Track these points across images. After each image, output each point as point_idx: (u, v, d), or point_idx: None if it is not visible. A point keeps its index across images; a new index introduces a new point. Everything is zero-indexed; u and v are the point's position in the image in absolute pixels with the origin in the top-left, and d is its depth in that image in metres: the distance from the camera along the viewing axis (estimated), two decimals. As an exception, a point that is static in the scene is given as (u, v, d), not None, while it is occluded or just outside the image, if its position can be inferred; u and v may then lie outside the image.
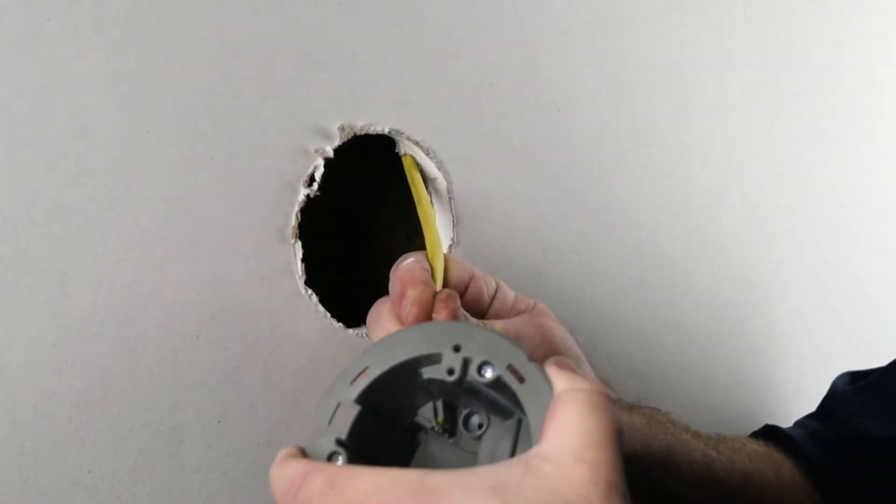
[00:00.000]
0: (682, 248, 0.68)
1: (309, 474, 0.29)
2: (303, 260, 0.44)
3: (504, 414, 0.33)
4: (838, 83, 0.83)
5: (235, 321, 0.43)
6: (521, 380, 0.30)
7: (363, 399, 0.31)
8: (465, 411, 0.34)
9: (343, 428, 0.31)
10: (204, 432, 0.42)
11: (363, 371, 0.31)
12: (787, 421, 0.63)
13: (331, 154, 0.44)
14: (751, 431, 0.62)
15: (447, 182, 0.50)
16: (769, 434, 0.59)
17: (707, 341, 0.71)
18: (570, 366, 0.31)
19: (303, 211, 0.44)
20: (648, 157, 0.64)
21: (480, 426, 0.34)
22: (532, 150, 0.55)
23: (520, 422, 0.33)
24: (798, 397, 0.80)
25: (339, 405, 0.31)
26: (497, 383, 0.31)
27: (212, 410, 0.42)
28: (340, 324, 0.46)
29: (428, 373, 0.32)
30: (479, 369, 0.31)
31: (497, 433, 0.33)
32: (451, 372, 0.31)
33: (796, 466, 0.54)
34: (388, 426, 0.33)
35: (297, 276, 0.44)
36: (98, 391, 0.39)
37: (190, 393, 0.42)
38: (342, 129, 0.45)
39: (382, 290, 0.41)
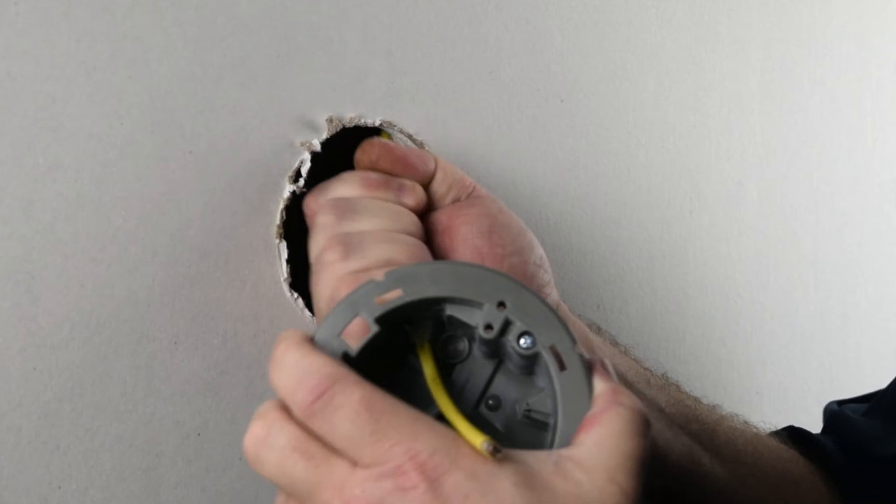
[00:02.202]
0: (695, 248, 0.68)
1: (340, 383, 0.29)
2: (288, 261, 0.44)
3: (490, 353, 0.34)
4: (862, 72, 0.83)
5: (215, 327, 0.43)
6: (561, 366, 0.31)
7: (383, 320, 0.31)
8: (447, 333, 0.34)
9: (355, 344, 0.31)
10: (182, 446, 0.42)
11: (393, 291, 0.32)
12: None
13: (318, 147, 0.45)
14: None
15: (443, 177, 0.50)
16: (793, 437, 0.57)
17: (722, 347, 0.72)
18: (609, 373, 0.32)
19: (288, 209, 0.44)
20: (659, 150, 0.64)
21: (459, 353, 0.34)
22: (534, 145, 0.56)
23: (500, 363, 0.34)
24: (817, 407, 0.80)
25: (356, 317, 0.31)
26: (530, 357, 0.31)
27: (190, 422, 0.43)
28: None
29: (453, 310, 0.33)
30: (519, 337, 0.31)
31: (473, 366, 0.34)
32: (488, 327, 0.31)
33: (821, 477, 0.53)
34: (385, 343, 0.33)
35: (281, 279, 0.44)
36: (68, 402, 0.39)
37: (167, 404, 0.42)
38: (330, 120, 0.45)
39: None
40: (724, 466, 0.47)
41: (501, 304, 0.32)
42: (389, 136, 0.49)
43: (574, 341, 0.31)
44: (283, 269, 0.44)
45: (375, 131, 0.48)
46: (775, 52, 0.74)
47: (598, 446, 0.29)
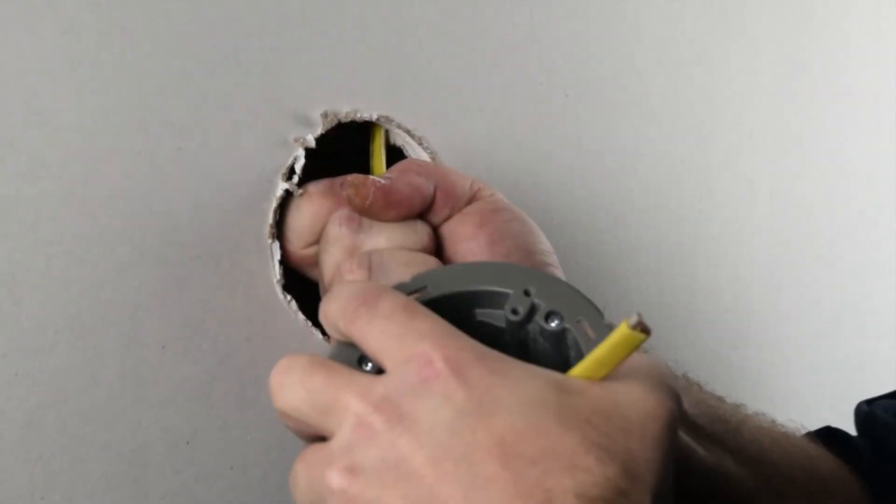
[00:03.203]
0: (705, 248, 0.68)
1: (386, 293, 0.32)
2: (281, 262, 0.44)
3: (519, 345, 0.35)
4: (878, 66, 0.83)
5: (206, 330, 0.43)
6: (590, 336, 0.32)
7: None
8: None
9: None
10: (171, 455, 0.42)
11: (421, 289, 0.34)
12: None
13: (312, 143, 0.45)
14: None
15: (442, 175, 0.50)
16: (826, 437, 0.56)
17: (733, 352, 0.72)
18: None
19: (281, 207, 0.44)
20: (668, 147, 0.64)
21: None
22: (538, 141, 0.56)
23: None
24: (833, 415, 0.80)
25: None
26: (559, 335, 0.33)
27: (180, 430, 0.42)
28: (322, 333, 0.46)
29: (483, 315, 0.34)
30: (546, 317, 0.33)
31: None
32: (515, 312, 0.33)
33: (852, 476, 0.52)
34: None
35: (274, 281, 0.44)
36: (52, 409, 0.39)
37: (155, 411, 0.42)
38: (325, 115, 0.45)
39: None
40: (748, 467, 0.47)
41: (526, 292, 0.33)
42: (387, 133, 0.49)
43: (601, 314, 0.32)
44: (276, 271, 0.44)
45: (372, 126, 0.48)
46: (788, 45, 0.74)
47: (634, 370, 0.30)
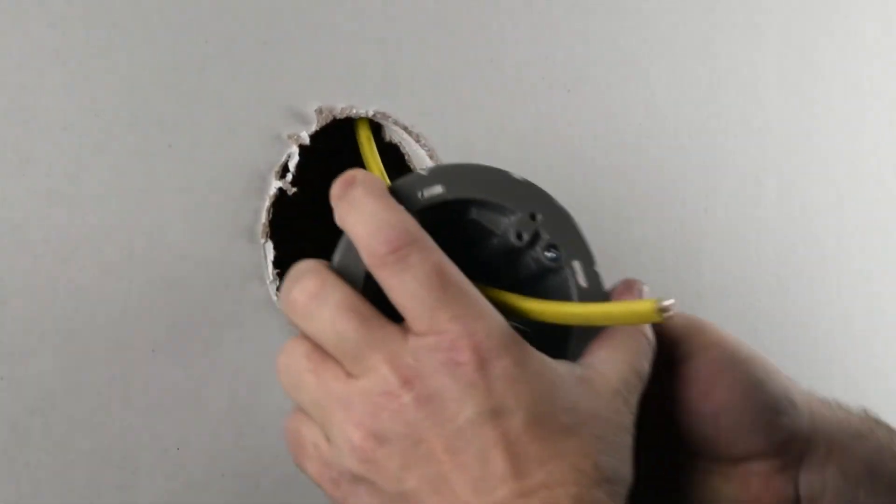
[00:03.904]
0: (710, 249, 0.68)
1: (418, 244, 0.31)
2: (274, 263, 0.44)
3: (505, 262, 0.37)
4: (889, 59, 0.83)
5: (197, 333, 0.43)
6: (581, 282, 0.35)
7: (421, 214, 0.34)
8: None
9: None
10: (160, 461, 0.42)
11: (433, 188, 0.35)
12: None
13: (307, 140, 0.45)
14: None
15: (441, 173, 0.50)
16: None
17: (739, 356, 0.71)
18: (635, 291, 0.36)
19: (275, 206, 0.44)
20: (672, 144, 0.64)
21: None
22: (538, 137, 0.56)
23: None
24: (843, 420, 0.80)
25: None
26: (550, 270, 0.36)
27: (169, 437, 0.42)
28: (318, 336, 0.46)
29: (479, 215, 0.36)
30: (546, 249, 0.35)
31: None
32: (519, 237, 0.35)
33: None
34: None
35: (267, 282, 0.44)
36: (39, 414, 0.39)
37: (144, 416, 0.42)
38: (320, 111, 0.45)
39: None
40: None
41: (532, 216, 0.35)
42: (381, 128, 0.49)
43: (594, 261, 0.35)
44: (270, 272, 0.44)
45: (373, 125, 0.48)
46: (795, 37, 0.74)
47: (612, 359, 0.33)
